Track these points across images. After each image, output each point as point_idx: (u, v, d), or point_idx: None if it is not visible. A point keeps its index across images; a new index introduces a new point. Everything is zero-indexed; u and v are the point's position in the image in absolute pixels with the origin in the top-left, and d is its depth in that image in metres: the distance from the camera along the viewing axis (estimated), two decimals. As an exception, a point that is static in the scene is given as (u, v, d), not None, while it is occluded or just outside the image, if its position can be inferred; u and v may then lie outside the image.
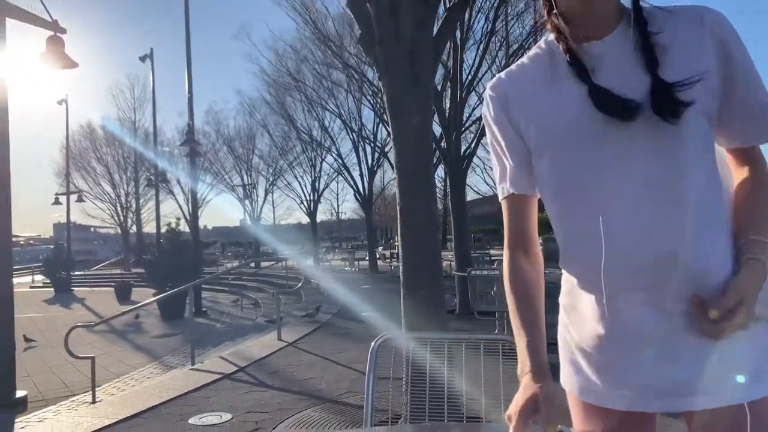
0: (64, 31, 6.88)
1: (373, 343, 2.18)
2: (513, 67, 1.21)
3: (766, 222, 1.03)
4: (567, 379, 1.21)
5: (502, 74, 1.22)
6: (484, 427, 1.39)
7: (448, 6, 6.26)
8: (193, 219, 17.58)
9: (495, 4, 12.04)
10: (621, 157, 1.02)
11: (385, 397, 2.64)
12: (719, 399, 1.01)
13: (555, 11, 1.11)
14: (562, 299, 1.24)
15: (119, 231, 45.09)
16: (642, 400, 1.07)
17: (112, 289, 21.07)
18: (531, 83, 1.15)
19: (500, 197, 1.25)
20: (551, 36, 1.14)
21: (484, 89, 1.26)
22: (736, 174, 1.11)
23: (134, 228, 42.55)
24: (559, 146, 1.10)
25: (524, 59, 1.20)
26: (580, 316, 1.16)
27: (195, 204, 18.01)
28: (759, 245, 0.99)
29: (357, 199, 25.26)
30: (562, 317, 1.24)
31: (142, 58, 24.90)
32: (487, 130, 1.25)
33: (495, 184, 1.28)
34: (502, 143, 1.20)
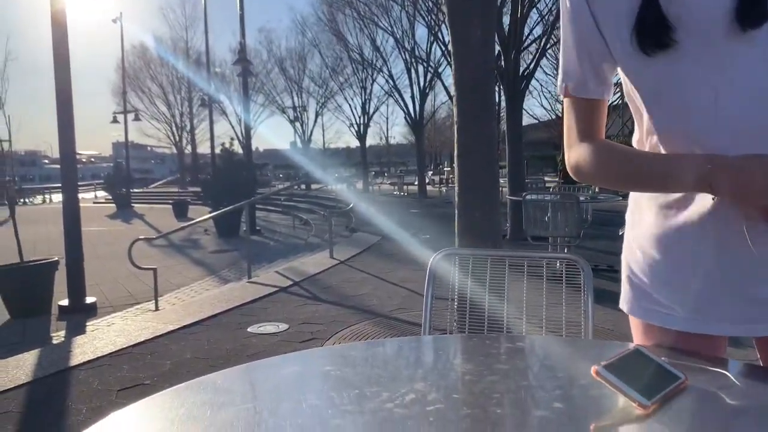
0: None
1: (433, 256, 2.15)
2: None
3: None
4: (627, 299, 1.13)
5: None
6: (552, 339, 1.37)
7: None
8: (246, 140, 17.79)
9: None
10: (696, 73, 0.87)
11: (440, 314, 2.64)
12: None
13: None
14: (628, 217, 1.13)
15: (175, 150, 46.24)
16: (713, 324, 1.00)
17: (170, 206, 21.84)
18: None
19: (563, 93, 1.08)
20: None
21: (546, 6, 1.08)
22: None
23: (189, 148, 43.56)
24: (619, 53, 0.95)
25: None
26: (645, 226, 1.07)
27: (248, 125, 18.18)
28: None
29: (407, 122, 24.91)
30: (627, 236, 1.14)
31: (193, -26, 24.52)
32: (561, 15, 1.06)
33: (557, 85, 1.10)
34: (572, 34, 1.02)
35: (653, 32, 0.87)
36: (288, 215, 17.64)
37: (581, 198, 9.43)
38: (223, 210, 10.49)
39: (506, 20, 11.63)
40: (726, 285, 0.96)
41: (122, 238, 12.77)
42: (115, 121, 33.14)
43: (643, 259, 1.07)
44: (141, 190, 35.34)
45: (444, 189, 28.21)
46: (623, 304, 1.14)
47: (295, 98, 34.07)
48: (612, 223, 10.15)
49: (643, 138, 1.01)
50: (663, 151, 0.97)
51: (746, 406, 0.90)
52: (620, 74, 1.02)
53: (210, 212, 12.89)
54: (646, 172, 0.96)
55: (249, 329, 4.88)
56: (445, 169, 36.72)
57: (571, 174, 1.10)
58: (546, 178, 22.00)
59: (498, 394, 0.97)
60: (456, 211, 4.44)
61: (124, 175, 28.09)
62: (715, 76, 0.86)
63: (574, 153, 1.07)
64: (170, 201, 23.46)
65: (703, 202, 0.94)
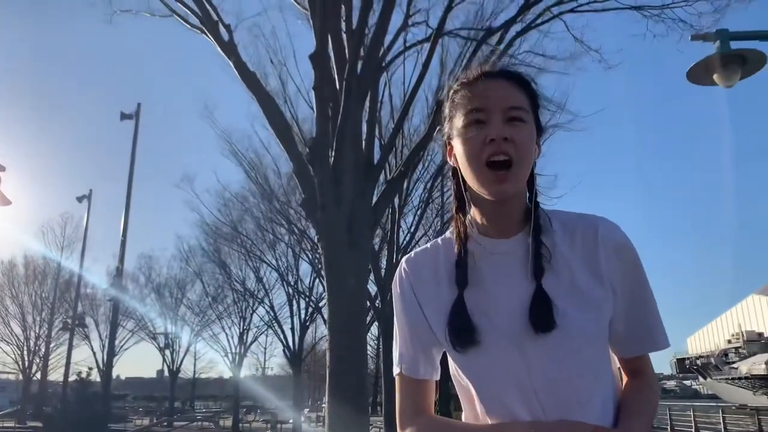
0: (3, 168, 6.82)
1: None
2: (429, 245, 1.22)
3: (632, 416, 1.07)
4: None
5: (418, 251, 1.22)
6: None
7: (388, 177, 6.68)
8: (108, 369, 16.38)
9: (432, 175, 12.95)
10: (500, 364, 1.04)
11: None
12: None
13: (464, 208, 1.14)
14: None
15: (20, 377, 41.06)
16: None
17: (-1, 445, 18.66)
18: (430, 278, 1.15)
19: (395, 371, 1.20)
20: (449, 233, 1.17)
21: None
22: (626, 379, 1.16)
23: (38, 375, 38.94)
24: (443, 344, 1.11)
25: (438, 240, 1.21)
26: None
27: (112, 352, 16.92)
28: None
29: (285, 354, 24.41)
30: None
31: (80, 199, 24.63)
32: (395, 303, 1.21)
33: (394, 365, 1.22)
34: (407, 322, 1.16)
35: (460, 336, 1.05)
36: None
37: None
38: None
39: (383, 263, 12.50)
40: None
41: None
42: (-46, 342, 29.43)
43: None
44: (-34, 424, 30.19)
45: (320, 428, 26.71)
46: None
47: (169, 325, 32.67)
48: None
49: (476, 413, 1.12)
50: (490, 421, 1.08)
51: None
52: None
53: (47, 455, 11.16)
54: None
55: None
56: (323, 405, 35.21)
57: None
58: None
59: None
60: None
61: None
62: (517, 366, 1.03)
63: (413, 429, 1.14)
64: (1, 439, 20.10)
65: None
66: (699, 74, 5.08)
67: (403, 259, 1.21)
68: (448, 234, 1.18)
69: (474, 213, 1.13)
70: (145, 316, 32.63)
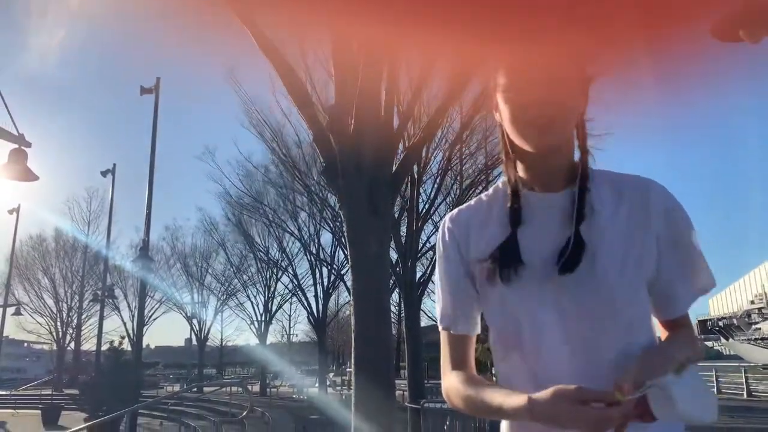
0: (29, 144, 6.95)
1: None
2: (472, 202, 1.26)
3: (674, 345, 1.10)
4: None
5: (462, 207, 1.26)
6: None
7: (407, 144, 6.68)
8: (138, 338, 16.84)
9: (450, 143, 12.87)
10: (537, 309, 1.08)
11: None
12: None
13: (512, 156, 1.16)
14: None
15: (55, 347, 42.47)
16: None
17: (39, 411, 19.46)
18: (480, 221, 1.19)
19: (440, 326, 1.26)
20: (501, 181, 1.21)
21: (440, 219, 1.29)
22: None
23: (72, 345, 40.24)
24: (485, 287, 1.15)
25: (482, 196, 1.25)
26: None
27: (141, 322, 17.36)
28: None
29: (310, 321, 24.86)
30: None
31: (104, 173, 24.97)
32: (437, 259, 1.27)
33: (437, 318, 1.28)
34: (448, 279, 1.22)
35: (508, 266, 1.09)
36: (175, 422, 16.16)
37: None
38: (100, 419, 9.53)
39: (403, 230, 12.57)
40: None
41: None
42: (-10, 314, 30.45)
43: None
44: (8, 392, 31.48)
45: (346, 391, 27.30)
46: None
47: (195, 295, 33.36)
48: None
49: (509, 363, 1.16)
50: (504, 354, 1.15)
51: None
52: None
53: (85, 420, 11.63)
54: (488, 406, 1.08)
55: None
56: (348, 369, 35.93)
57: (445, 398, 1.24)
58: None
59: None
60: (352, 420, 4.36)
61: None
62: (543, 303, 1.07)
63: (446, 382, 1.22)
64: (40, 405, 20.97)
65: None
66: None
67: (447, 216, 1.26)
68: (491, 191, 1.22)
69: (519, 167, 1.16)
70: (171, 287, 33.36)
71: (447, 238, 1.22)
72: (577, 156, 1.15)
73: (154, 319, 34.92)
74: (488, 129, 11.64)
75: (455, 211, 1.25)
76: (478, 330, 1.24)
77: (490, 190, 1.22)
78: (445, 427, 7.40)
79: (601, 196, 1.10)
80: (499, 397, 1.06)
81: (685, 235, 1.11)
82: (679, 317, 1.16)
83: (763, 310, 66.85)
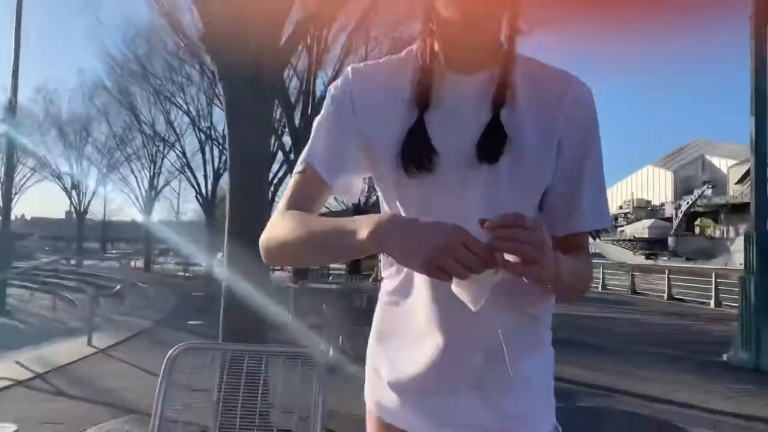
0: None
1: (170, 352, 2.15)
2: (381, 60, 1.12)
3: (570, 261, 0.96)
4: (367, 390, 1.16)
5: (369, 62, 1.13)
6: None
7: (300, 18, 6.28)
8: (6, 204, 15.70)
9: (356, 23, 12.36)
10: (451, 203, 0.98)
11: (192, 410, 2.57)
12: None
13: (431, 25, 1.02)
14: (382, 297, 1.13)
15: None
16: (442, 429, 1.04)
17: None
18: (386, 88, 1.05)
19: (296, 170, 1.09)
20: (415, 46, 1.05)
21: None
22: None
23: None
24: (383, 167, 1.03)
25: (392, 58, 1.10)
26: (376, 319, 1.13)
27: (9, 187, 16.12)
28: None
29: (198, 201, 24.28)
30: (379, 319, 1.14)
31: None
32: (326, 104, 1.10)
33: (299, 162, 1.09)
34: (333, 124, 1.07)
35: (416, 158, 0.97)
36: (50, 294, 15.66)
37: (363, 287, 9.96)
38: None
39: (298, 115, 12.28)
40: (464, 389, 1.01)
41: None
42: None
43: (377, 352, 1.12)
44: None
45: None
46: (366, 395, 1.17)
47: (75, 165, 31.23)
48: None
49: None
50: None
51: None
52: (382, 192, 1.08)
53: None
54: (327, 229, 0.96)
55: (-34, 432, 4.16)
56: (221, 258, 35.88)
57: (261, 252, 1.06)
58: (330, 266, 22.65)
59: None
60: (222, 301, 4.39)
61: None
62: (464, 195, 0.98)
63: (273, 221, 1.04)
64: None
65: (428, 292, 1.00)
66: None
67: (350, 67, 1.11)
68: (403, 54, 1.08)
69: (438, 41, 1.02)
70: (46, 154, 30.92)
71: (344, 88, 1.07)
72: (503, 35, 1.01)
73: (27, 188, 32.57)
74: (399, 14, 11.23)
75: (361, 65, 1.11)
76: (340, 192, 1.10)
77: (403, 53, 1.08)
78: (324, 307, 7.72)
79: (521, 82, 1.00)
80: (346, 219, 0.93)
81: (593, 152, 1.03)
82: (579, 234, 1.06)
83: (629, 215, 74.35)
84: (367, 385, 1.16)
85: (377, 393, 1.12)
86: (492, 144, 0.95)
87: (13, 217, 16.14)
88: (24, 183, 31.61)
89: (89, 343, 7.54)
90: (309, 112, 11.89)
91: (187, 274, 24.62)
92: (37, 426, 4.38)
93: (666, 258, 54.06)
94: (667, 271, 18.29)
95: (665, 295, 17.06)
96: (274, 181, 15.64)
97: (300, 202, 1.04)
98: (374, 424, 1.15)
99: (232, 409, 2.24)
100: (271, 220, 1.04)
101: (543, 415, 1.07)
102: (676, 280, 17.78)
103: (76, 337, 8.61)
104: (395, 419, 1.09)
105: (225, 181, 25.81)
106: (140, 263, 26.84)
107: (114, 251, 33.23)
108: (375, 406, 1.13)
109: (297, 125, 11.76)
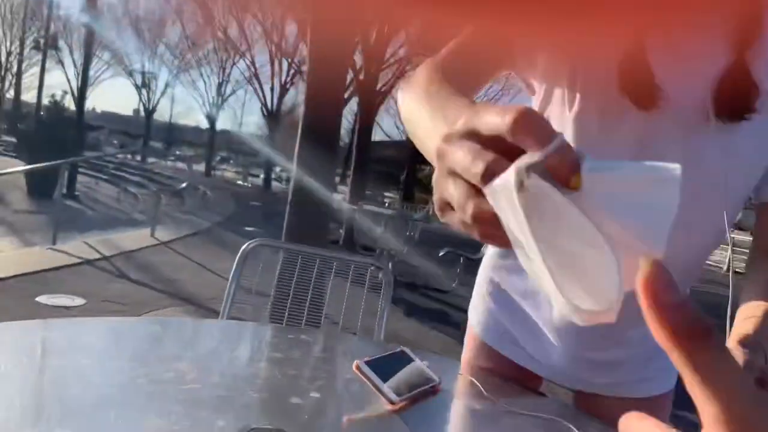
0: None
1: (245, 245, 2.12)
2: None
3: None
4: (481, 321, 1.14)
5: None
6: (334, 332, 1.41)
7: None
8: (81, 95, 16.17)
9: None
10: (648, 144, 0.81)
11: (250, 307, 2.59)
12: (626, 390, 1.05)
13: None
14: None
15: (-7, 92, 40.60)
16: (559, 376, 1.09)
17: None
18: None
19: None
20: None
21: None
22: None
23: (12, 93, 38.54)
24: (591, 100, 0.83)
25: None
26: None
27: (86, 78, 16.54)
28: None
29: (263, 113, 24.43)
30: (492, 254, 1.13)
31: None
32: None
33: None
34: None
35: (641, 88, 0.78)
36: (116, 186, 16.29)
37: (415, 217, 9.93)
38: (36, 165, 9.41)
39: (373, 36, 11.92)
40: (569, 345, 1.03)
41: None
42: None
43: (502, 288, 1.11)
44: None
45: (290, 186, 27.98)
46: (477, 324, 1.15)
47: (146, 63, 31.78)
48: (438, 245, 10.75)
49: None
50: None
51: (492, 415, 0.99)
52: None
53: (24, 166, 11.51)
54: (436, 104, 0.58)
55: (38, 299, 4.40)
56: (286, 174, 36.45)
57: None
58: (387, 194, 22.74)
59: (260, 380, 0.96)
60: (288, 207, 4.45)
61: None
62: (683, 146, 0.80)
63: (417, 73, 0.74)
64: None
65: None
66: None
67: None
68: None
69: None
70: (121, 49, 31.52)
71: None
72: None
73: (101, 81, 33.50)
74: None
75: None
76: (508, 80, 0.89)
77: None
78: (379, 231, 7.72)
79: None
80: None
81: None
82: None
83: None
84: (474, 306, 1.17)
85: (483, 317, 1.13)
86: (735, 95, 0.75)
87: (85, 109, 16.58)
88: (99, 76, 32.51)
89: (152, 235, 7.82)
90: (384, 32, 11.51)
91: (246, 184, 25.19)
92: (101, 303, 4.58)
93: None
94: None
95: None
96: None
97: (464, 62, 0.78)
98: (474, 344, 1.16)
99: (298, 306, 2.22)
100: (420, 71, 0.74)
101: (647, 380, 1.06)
102: None
103: (139, 228, 8.95)
104: (499, 345, 1.12)
105: (291, 98, 25.83)
106: (201, 167, 27.52)
107: (177, 153, 34.12)
108: (479, 328, 1.14)
109: (371, 44, 11.44)
